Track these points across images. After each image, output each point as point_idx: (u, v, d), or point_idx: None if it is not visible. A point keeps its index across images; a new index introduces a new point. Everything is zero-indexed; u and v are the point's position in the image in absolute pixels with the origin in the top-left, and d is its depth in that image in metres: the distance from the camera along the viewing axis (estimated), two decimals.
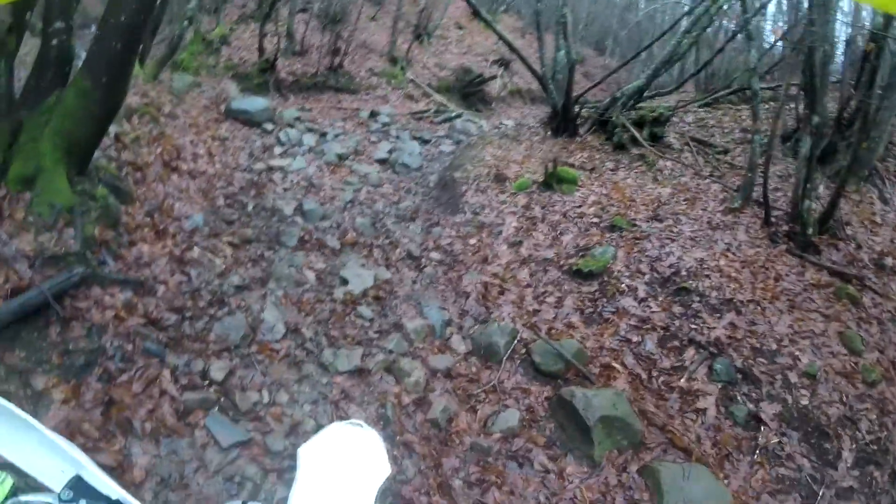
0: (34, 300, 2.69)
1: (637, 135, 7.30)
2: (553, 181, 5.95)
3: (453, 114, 10.10)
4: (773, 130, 5.76)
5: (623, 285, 4.38)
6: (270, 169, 6.32)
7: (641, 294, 4.30)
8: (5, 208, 3.13)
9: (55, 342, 2.73)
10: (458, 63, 12.85)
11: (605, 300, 4.29)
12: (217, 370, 3.11)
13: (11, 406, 0.79)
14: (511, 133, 8.45)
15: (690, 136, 7.75)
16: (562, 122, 7.95)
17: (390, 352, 3.63)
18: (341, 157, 7.07)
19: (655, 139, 7.44)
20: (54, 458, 0.81)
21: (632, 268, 4.58)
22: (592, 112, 8.27)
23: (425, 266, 4.76)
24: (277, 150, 6.98)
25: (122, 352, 2.94)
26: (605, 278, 4.46)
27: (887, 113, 5.76)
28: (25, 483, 0.77)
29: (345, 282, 4.33)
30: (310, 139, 7.48)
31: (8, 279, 2.75)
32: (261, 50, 10.11)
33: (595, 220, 5.29)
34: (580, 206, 5.57)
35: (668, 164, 6.89)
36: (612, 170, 6.73)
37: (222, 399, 2.98)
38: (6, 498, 0.72)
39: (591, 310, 4.23)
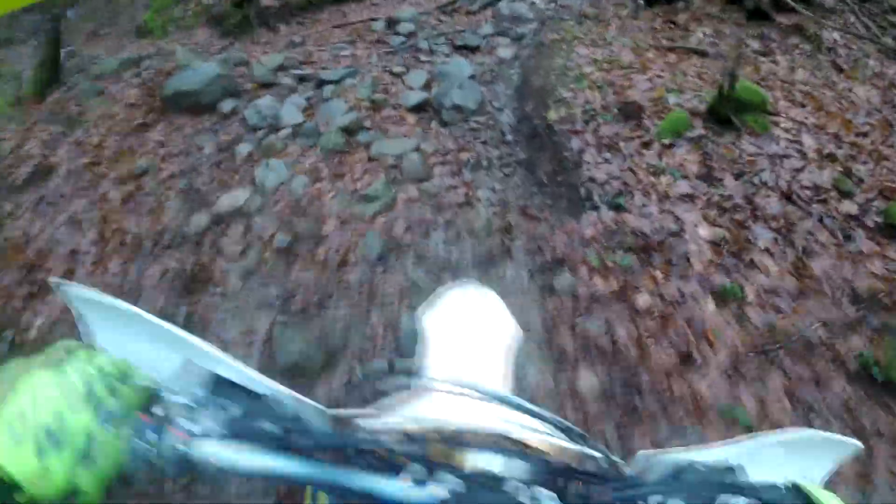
0: None
1: None
2: (728, 109, 2.65)
3: None
4: None
5: None
6: (218, 221, 3.37)
7: None
8: None
9: None
10: None
11: None
12: None
13: (116, 302, 0.59)
14: (586, 8, 5.43)
15: None
16: None
17: None
18: (349, 131, 4.03)
19: None
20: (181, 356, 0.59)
21: None
22: None
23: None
24: (242, 149, 4.01)
25: None
26: None
27: None
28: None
29: None
30: (294, 109, 4.41)
31: None
32: None
33: (838, 200, 2.08)
34: (799, 164, 2.30)
35: (836, 36, 3.93)
36: (761, 54, 3.74)
37: None
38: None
39: None
